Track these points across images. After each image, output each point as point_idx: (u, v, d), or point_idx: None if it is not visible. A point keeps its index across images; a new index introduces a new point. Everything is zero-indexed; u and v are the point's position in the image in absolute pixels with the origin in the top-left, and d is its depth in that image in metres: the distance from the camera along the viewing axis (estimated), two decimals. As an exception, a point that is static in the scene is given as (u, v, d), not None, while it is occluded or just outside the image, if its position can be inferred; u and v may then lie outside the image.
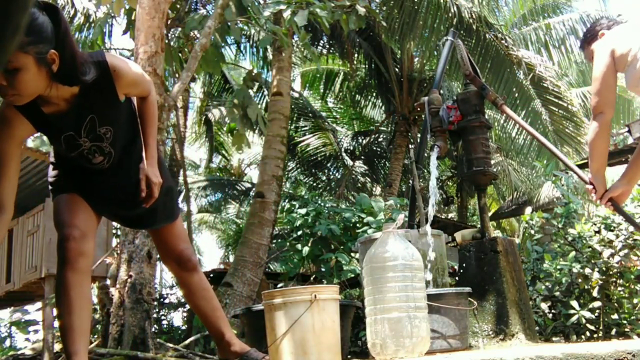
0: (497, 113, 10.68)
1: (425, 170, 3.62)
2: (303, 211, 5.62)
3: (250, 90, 7.67)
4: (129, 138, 2.10)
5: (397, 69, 11.52)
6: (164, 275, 16.27)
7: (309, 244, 5.39)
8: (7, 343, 9.76)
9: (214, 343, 2.40)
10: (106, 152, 2.02)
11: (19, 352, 8.26)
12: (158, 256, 5.75)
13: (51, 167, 2.16)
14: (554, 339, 3.96)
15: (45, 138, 6.47)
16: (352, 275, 5.26)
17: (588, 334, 3.87)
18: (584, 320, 3.80)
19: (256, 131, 12.00)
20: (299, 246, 5.42)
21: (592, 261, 3.93)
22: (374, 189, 14.36)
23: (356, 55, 11.73)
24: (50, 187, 2.13)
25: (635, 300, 4.06)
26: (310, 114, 13.53)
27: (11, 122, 1.88)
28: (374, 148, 14.07)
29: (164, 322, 7.56)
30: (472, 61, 3.65)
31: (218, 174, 18.26)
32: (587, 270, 3.90)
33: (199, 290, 2.34)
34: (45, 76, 1.76)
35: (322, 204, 5.93)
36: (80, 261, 1.93)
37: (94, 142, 1.98)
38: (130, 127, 2.09)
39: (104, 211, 2.16)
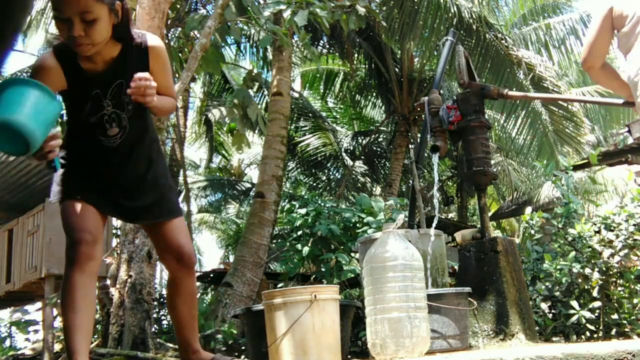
0: (497, 113, 10.68)
1: (425, 170, 3.63)
2: (303, 211, 5.61)
3: (250, 90, 7.67)
4: (141, 127, 2.13)
5: (397, 69, 11.52)
6: (164, 275, 16.27)
7: (309, 244, 5.38)
8: (7, 343, 9.76)
9: (179, 350, 2.29)
10: (123, 125, 2.07)
11: (19, 352, 8.25)
12: (158, 256, 5.76)
13: (64, 174, 2.11)
14: (554, 339, 3.96)
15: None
16: (352, 275, 5.26)
17: (588, 334, 3.86)
18: (584, 320, 3.80)
19: (256, 131, 12.00)
20: (299, 246, 5.41)
21: (592, 261, 3.93)
22: (374, 189, 14.36)
23: (356, 55, 11.73)
24: (57, 187, 2.10)
25: (635, 300, 4.06)
26: (310, 114, 13.53)
27: (50, 71, 1.94)
28: (374, 148, 14.07)
29: (164, 322, 7.56)
30: (471, 66, 3.64)
31: (218, 174, 18.26)
32: (587, 270, 3.90)
33: (188, 293, 2.25)
34: (110, 27, 1.90)
35: (322, 204, 5.92)
36: (89, 264, 1.98)
37: (115, 109, 2.04)
38: (144, 119, 2.13)
39: (108, 206, 2.14)
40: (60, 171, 2.06)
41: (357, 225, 5.41)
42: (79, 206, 2.04)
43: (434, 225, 3.17)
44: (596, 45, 2.69)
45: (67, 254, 1.99)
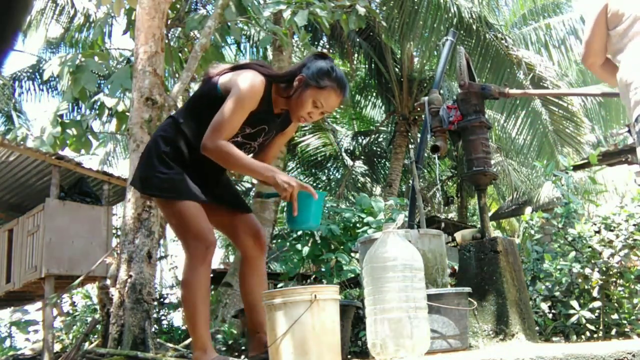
0: (497, 113, 10.68)
1: (426, 170, 3.63)
2: (303, 211, 5.60)
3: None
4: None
5: (397, 69, 11.52)
6: (164, 275, 16.27)
7: (309, 244, 5.38)
8: (7, 343, 9.76)
9: (248, 336, 2.56)
10: (252, 149, 2.51)
11: (19, 352, 8.26)
12: (158, 256, 5.75)
13: (163, 165, 2.32)
14: (554, 339, 3.96)
15: (45, 138, 6.48)
16: (352, 275, 5.26)
17: (588, 334, 3.87)
18: (584, 320, 3.80)
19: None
20: (299, 246, 5.41)
21: (592, 261, 3.93)
22: (374, 189, 14.36)
23: (356, 55, 11.73)
24: (175, 185, 2.29)
25: (635, 300, 4.06)
26: (310, 114, 13.50)
27: (259, 95, 2.25)
28: (374, 148, 14.07)
29: (164, 322, 7.56)
30: (471, 67, 3.64)
31: (218, 174, 18.19)
32: (587, 270, 3.90)
33: (262, 274, 2.51)
34: None
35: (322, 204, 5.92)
36: (211, 263, 2.37)
37: (252, 141, 2.45)
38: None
39: (209, 195, 2.42)
40: (173, 171, 2.30)
41: (357, 225, 5.41)
42: (202, 210, 2.31)
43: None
44: (593, 42, 2.70)
45: (199, 252, 2.27)
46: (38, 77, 11.99)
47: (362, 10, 5.30)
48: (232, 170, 2.33)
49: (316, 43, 11.08)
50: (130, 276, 4.10)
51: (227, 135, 2.20)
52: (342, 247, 5.35)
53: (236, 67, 2.36)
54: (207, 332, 2.32)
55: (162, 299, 7.70)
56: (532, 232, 4.57)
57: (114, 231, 7.56)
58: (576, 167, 6.83)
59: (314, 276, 5.66)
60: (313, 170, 14.22)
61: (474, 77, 3.62)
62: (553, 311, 4.08)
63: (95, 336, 5.61)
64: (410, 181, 3.66)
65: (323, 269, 5.35)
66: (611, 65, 2.77)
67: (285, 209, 2.27)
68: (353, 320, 3.59)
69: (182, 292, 2.32)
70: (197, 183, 2.35)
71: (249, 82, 2.21)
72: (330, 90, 2.26)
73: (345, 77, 2.36)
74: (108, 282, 4.70)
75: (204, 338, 2.29)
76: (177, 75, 6.00)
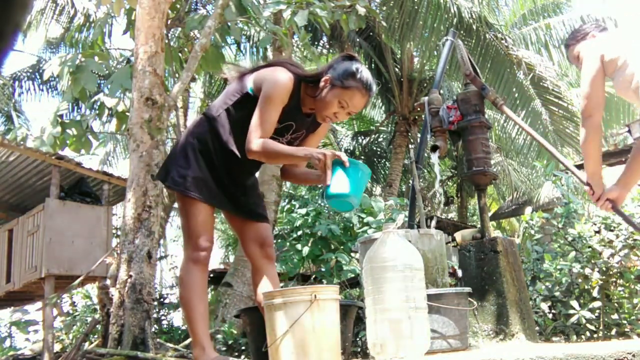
0: (497, 113, 10.68)
1: (426, 170, 3.63)
2: (303, 211, 5.62)
3: (250, 90, 7.64)
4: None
5: (397, 69, 11.52)
6: (164, 275, 16.26)
7: (309, 244, 5.39)
8: (7, 343, 9.76)
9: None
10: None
11: (19, 352, 8.25)
12: (158, 256, 5.74)
13: (184, 160, 2.38)
14: (554, 339, 3.96)
15: (45, 138, 6.48)
16: (352, 275, 5.26)
17: (588, 334, 3.87)
18: (584, 320, 3.80)
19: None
20: (299, 246, 5.42)
21: (592, 261, 3.93)
22: (374, 189, 14.36)
23: (356, 55, 11.72)
24: (194, 183, 2.35)
25: (635, 300, 4.06)
26: (310, 114, 13.50)
27: (289, 92, 2.30)
28: (374, 148, 14.07)
29: (164, 322, 7.56)
30: (472, 61, 3.65)
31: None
32: (587, 270, 3.90)
33: (276, 283, 2.53)
34: None
35: (322, 204, 5.93)
36: (208, 265, 2.45)
37: (287, 137, 2.47)
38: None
39: (226, 201, 2.48)
40: (193, 167, 2.35)
41: (357, 225, 5.41)
42: (210, 213, 2.41)
43: (433, 224, 3.17)
44: (593, 94, 2.68)
45: (193, 254, 2.36)
46: (38, 77, 11.99)
47: (362, 10, 5.30)
48: (275, 163, 2.39)
49: (316, 43, 11.08)
50: (130, 276, 4.10)
51: (265, 134, 2.25)
52: (342, 247, 5.35)
53: (268, 65, 2.43)
54: (206, 330, 2.34)
55: (162, 299, 7.69)
56: (532, 232, 4.57)
57: (114, 231, 7.56)
58: (576, 167, 6.81)
59: (314, 276, 5.66)
60: (313, 171, 14.20)
61: (476, 70, 3.62)
62: (553, 311, 4.08)
63: (95, 336, 5.61)
64: (410, 181, 3.65)
65: (323, 269, 5.35)
66: (599, 137, 2.78)
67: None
68: (353, 320, 3.59)
69: (179, 291, 2.41)
70: (218, 184, 2.40)
71: (279, 78, 2.28)
72: (355, 91, 2.29)
73: (373, 78, 2.38)
74: (108, 282, 4.70)
75: (202, 337, 2.32)
76: (177, 75, 5.99)
